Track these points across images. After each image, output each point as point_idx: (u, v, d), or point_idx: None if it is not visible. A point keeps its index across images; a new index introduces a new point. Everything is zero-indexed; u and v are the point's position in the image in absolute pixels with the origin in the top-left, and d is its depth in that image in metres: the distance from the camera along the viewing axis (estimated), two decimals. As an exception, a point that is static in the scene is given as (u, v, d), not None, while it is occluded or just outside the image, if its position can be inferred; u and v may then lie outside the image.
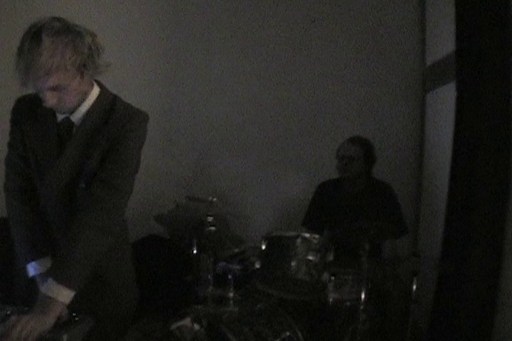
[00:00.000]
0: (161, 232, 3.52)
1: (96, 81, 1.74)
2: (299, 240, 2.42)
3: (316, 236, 2.49)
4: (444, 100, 3.43)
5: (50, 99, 1.57)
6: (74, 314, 1.57)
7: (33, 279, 1.73)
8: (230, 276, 2.40)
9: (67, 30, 1.52)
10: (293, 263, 2.39)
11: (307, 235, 2.47)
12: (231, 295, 2.37)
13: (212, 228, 2.61)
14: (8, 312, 1.55)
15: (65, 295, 1.54)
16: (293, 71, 3.90)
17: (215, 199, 2.72)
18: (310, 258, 2.40)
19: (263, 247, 2.49)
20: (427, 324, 2.94)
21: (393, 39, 3.85)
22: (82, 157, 1.69)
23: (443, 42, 3.42)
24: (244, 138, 3.97)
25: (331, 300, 2.51)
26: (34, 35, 1.48)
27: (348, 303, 2.54)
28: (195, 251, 2.79)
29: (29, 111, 1.74)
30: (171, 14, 3.92)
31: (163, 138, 3.90)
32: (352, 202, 3.16)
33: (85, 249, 1.59)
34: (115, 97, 1.77)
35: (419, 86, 3.87)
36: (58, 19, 1.54)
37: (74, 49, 1.51)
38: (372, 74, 3.87)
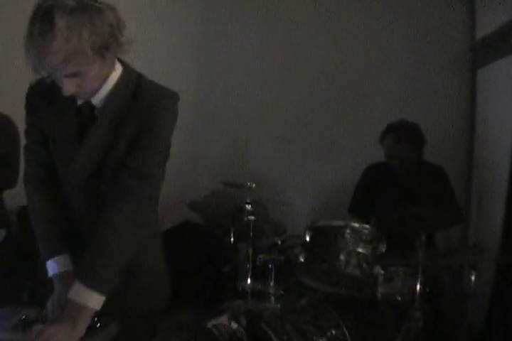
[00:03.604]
0: (196, 219, 3.39)
1: (117, 58, 1.56)
2: (347, 230, 2.24)
3: (367, 226, 2.32)
4: (498, 76, 3.28)
5: (69, 87, 1.40)
6: (96, 318, 1.43)
7: None
8: (270, 266, 2.22)
9: (82, 8, 1.30)
10: (341, 256, 2.21)
11: (356, 225, 2.29)
12: (272, 290, 2.19)
13: (252, 217, 2.44)
14: (23, 317, 1.42)
15: (95, 301, 1.40)
16: (336, 51, 3.74)
17: (254, 185, 2.55)
18: (360, 250, 2.21)
19: (307, 238, 2.31)
20: (483, 321, 2.74)
21: (440, 11, 3.64)
22: (107, 142, 1.54)
23: (495, 13, 3.27)
24: (284, 120, 3.81)
25: (379, 295, 2.31)
26: (44, 15, 1.27)
27: (400, 298, 2.33)
28: (232, 240, 2.64)
29: (45, 95, 1.58)
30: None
31: (198, 121, 3.78)
32: (402, 187, 2.98)
33: (118, 247, 1.45)
34: (140, 76, 1.59)
35: (469, 62, 3.67)
36: None
37: (92, 29, 1.31)
38: (418, 51, 3.68)
